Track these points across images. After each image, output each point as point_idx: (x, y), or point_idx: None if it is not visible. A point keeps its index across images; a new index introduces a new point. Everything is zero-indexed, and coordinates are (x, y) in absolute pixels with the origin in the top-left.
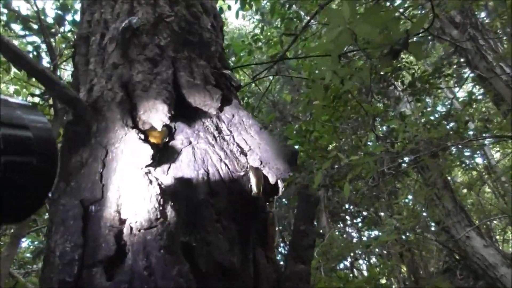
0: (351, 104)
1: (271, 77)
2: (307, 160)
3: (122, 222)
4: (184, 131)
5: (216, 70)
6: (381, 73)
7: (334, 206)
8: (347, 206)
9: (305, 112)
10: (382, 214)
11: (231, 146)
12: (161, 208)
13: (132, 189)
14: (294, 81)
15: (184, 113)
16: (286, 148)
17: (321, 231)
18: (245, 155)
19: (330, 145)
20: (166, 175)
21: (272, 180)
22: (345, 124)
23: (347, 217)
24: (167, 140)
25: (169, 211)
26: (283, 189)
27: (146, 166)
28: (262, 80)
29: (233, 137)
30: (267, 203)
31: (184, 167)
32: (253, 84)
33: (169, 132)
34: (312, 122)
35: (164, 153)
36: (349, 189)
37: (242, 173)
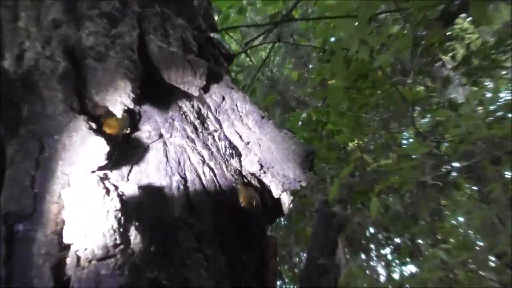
0: (382, 86)
1: (269, 45)
2: (317, 164)
3: (65, 248)
4: (153, 119)
5: (199, 33)
6: (422, 42)
7: (354, 229)
8: (372, 230)
9: (318, 96)
10: (421, 242)
11: (219, 142)
12: (121, 229)
13: (79, 201)
14: (301, 51)
15: (154, 93)
16: (298, 147)
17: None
18: (239, 155)
19: (350, 143)
20: (127, 181)
21: (276, 192)
22: (372, 113)
23: (372, 246)
24: (128, 131)
25: (133, 234)
26: (290, 205)
27: (100, 168)
28: (256, 48)
29: (223, 130)
30: (268, 225)
31: (152, 170)
32: (244, 54)
33: (132, 120)
34: (326, 110)
35: (124, 150)
36: (378, 206)
37: (233, 181)
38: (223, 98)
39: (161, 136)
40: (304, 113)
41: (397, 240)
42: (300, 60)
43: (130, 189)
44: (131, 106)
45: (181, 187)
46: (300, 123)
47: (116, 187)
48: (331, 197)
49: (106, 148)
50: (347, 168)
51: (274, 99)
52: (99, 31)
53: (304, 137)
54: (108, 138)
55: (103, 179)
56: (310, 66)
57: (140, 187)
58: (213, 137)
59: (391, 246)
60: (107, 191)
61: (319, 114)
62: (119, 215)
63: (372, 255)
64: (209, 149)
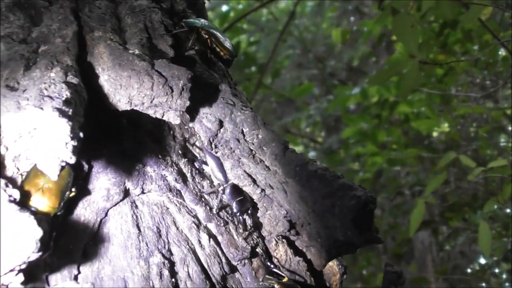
0: (480, 40)
1: None
2: (386, 169)
3: None
4: (112, 168)
5: (175, 17)
6: None
7: (456, 263)
8: (483, 260)
9: (377, 81)
10: None
11: (222, 191)
12: None
13: None
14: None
15: (109, 124)
16: (347, 193)
17: None
18: (255, 209)
19: (435, 132)
20: (76, 279)
21: (318, 262)
22: (472, 88)
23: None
24: (74, 193)
25: None
26: (344, 277)
27: (29, 265)
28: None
29: (225, 172)
30: None
31: (117, 252)
32: (259, 11)
33: (78, 175)
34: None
35: (68, 225)
36: (490, 237)
37: (247, 250)
38: (221, 124)
39: (127, 193)
40: (356, 88)
41: None
42: (349, 3)
43: None
44: (72, 160)
45: (166, 273)
46: (352, 106)
47: None
48: (412, 229)
49: (38, 232)
50: (434, 181)
51: (310, 88)
52: (13, 33)
53: (358, 134)
54: (41, 217)
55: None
56: (365, 18)
57: None
58: (211, 183)
59: None
60: None
61: (383, 91)
62: None
63: None
64: (206, 204)
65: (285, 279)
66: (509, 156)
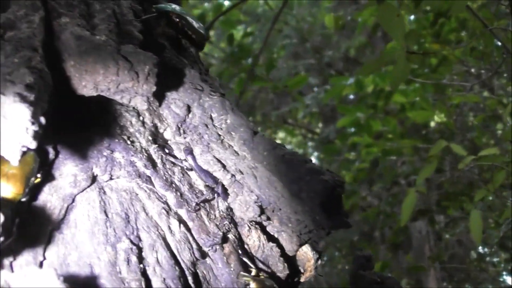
0: (474, 31)
1: None
2: (381, 158)
3: None
4: (79, 153)
5: (145, 2)
6: None
7: (453, 252)
8: (482, 249)
9: (367, 70)
10: None
11: (190, 178)
12: None
13: None
14: None
15: (76, 108)
16: (314, 177)
17: None
18: (225, 194)
19: (431, 123)
20: (41, 266)
21: (290, 247)
22: (467, 77)
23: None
24: (39, 179)
25: None
26: (317, 265)
27: None
28: None
29: (194, 157)
30: None
31: (84, 238)
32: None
33: (44, 160)
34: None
35: (33, 212)
36: (481, 224)
37: (218, 236)
38: (189, 109)
39: (94, 179)
40: (351, 79)
41: None
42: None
43: (47, 281)
44: (32, 145)
45: (133, 259)
46: (351, 96)
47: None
48: (404, 219)
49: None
50: (425, 170)
51: (305, 79)
52: None
53: (358, 121)
54: (5, 200)
55: None
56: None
57: (64, 278)
58: (182, 168)
59: None
60: None
61: (378, 81)
62: None
63: None
64: (177, 190)
65: (253, 272)
66: (505, 144)
